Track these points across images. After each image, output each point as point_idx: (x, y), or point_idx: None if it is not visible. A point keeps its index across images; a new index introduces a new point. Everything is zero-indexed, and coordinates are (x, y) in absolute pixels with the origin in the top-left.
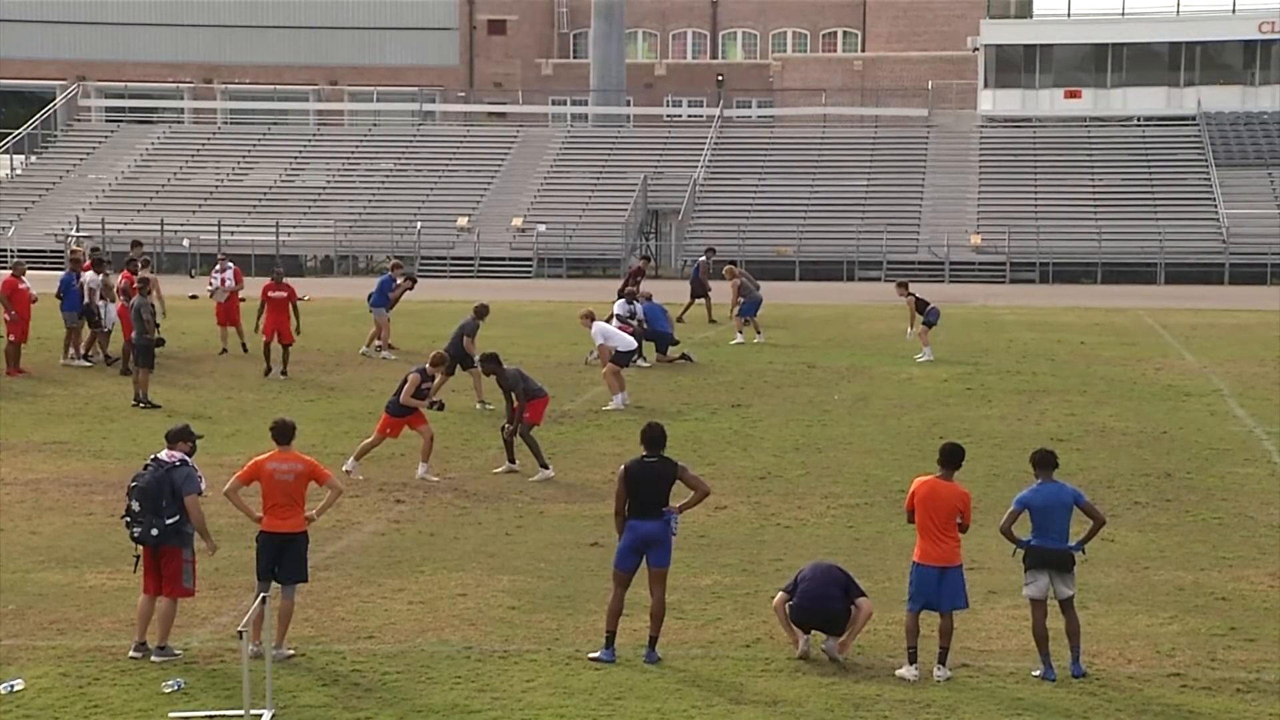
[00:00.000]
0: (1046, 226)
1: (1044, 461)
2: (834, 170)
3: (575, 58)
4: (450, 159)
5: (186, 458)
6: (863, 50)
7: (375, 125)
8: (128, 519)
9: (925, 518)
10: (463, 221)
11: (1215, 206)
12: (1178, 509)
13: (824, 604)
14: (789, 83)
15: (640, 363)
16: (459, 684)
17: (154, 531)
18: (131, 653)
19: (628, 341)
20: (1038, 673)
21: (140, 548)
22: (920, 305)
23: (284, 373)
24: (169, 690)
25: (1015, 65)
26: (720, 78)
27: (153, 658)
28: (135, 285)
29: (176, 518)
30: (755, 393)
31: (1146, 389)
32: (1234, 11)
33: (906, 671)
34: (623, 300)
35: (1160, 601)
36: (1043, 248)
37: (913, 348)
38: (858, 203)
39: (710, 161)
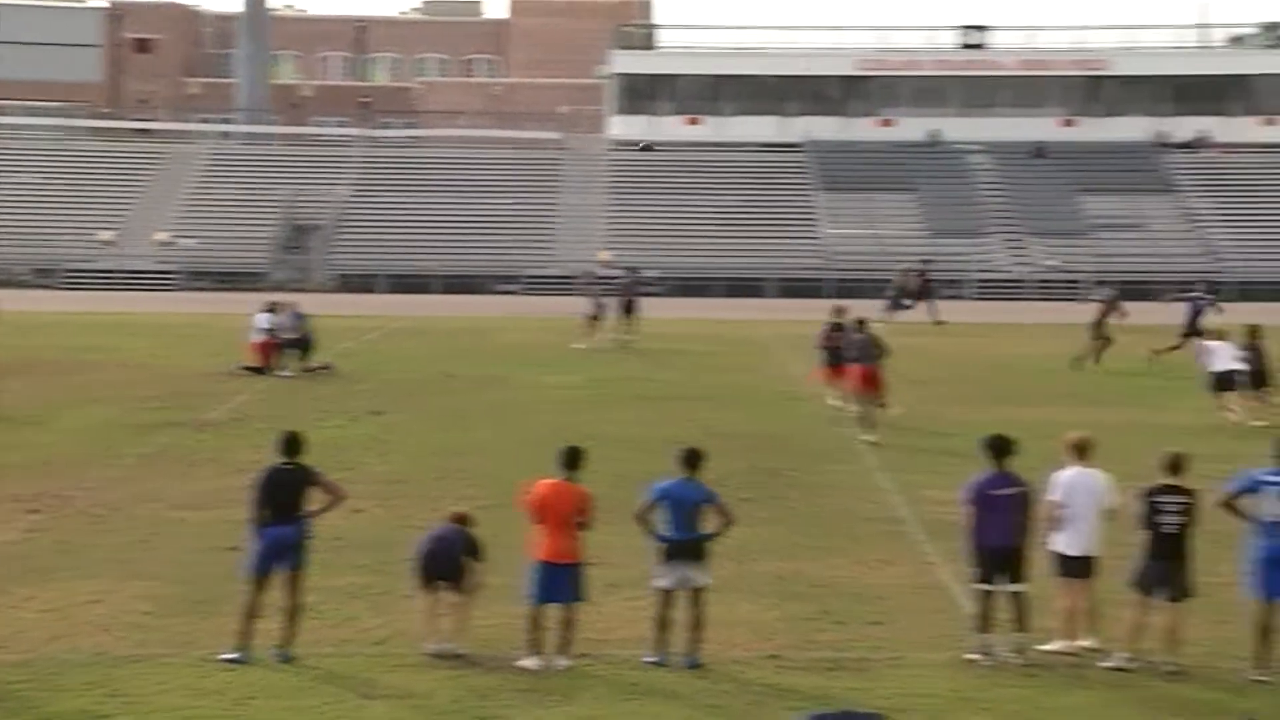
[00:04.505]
0: (670, 244)
1: (687, 460)
2: (474, 190)
3: (222, 77)
4: (95, 175)
5: None
6: (502, 76)
7: (18, 140)
8: None
9: (547, 516)
10: (105, 235)
11: (818, 227)
12: (782, 504)
13: (440, 561)
14: (432, 106)
15: (282, 373)
16: (89, 690)
17: None
18: None
19: None
20: (653, 659)
21: None
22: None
23: None
24: None
25: (642, 93)
26: (366, 100)
27: None
28: None
29: None
30: (394, 400)
31: (761, 395)
32: (835, 49)
33: (529, 662)
34: (266, 313)
35: (763, 590)
36: (667, 263)
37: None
38: (496, 220)
39: (356, 180)
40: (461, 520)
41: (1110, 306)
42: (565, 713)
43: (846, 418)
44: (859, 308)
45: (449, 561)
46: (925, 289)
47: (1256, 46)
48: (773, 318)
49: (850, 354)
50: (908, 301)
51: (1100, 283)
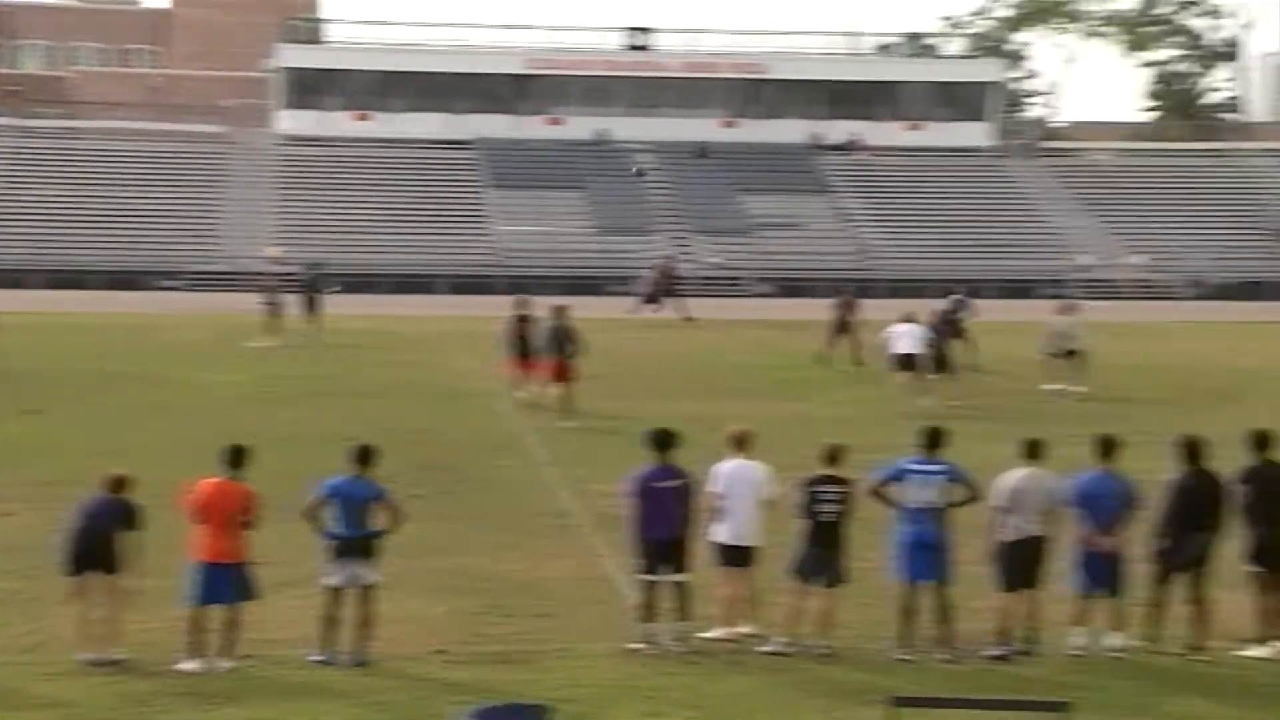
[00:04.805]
0: (340, 240)
1: (358, 456)
2: (135, 183)
3: None
4: None
5: None
6: (164, 68)
7: None
8: None
9: (210, 516)
10: None
11: (489, 224)
12: (452, 500)
13: (91, 542)
14: (88, 96)
15: None
16: None
17: None
18: None
19: None
20: (319, 658)
21: None
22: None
23: None
24: None
25: (311, 88)
26: (15, 88)
27: None
28: None
29: None
30: (49, 400)
31: (430, 390)
32: (505, 47)
33: (190, 665)
34: None
35: (432, 586)
36: (337, 259)
37: None
38: (158, 215)
39: (6, 171)
40: (118, 485)
41: (848, 305)
42: (227, 715)
43: (523, 411)
44: (539, 302)
45: (102, 542)
46: (671, 286)
47: (901, 55)
48: (445, 314)
49: (541, 345)
50: (657, 300)
51: (838, 289)
